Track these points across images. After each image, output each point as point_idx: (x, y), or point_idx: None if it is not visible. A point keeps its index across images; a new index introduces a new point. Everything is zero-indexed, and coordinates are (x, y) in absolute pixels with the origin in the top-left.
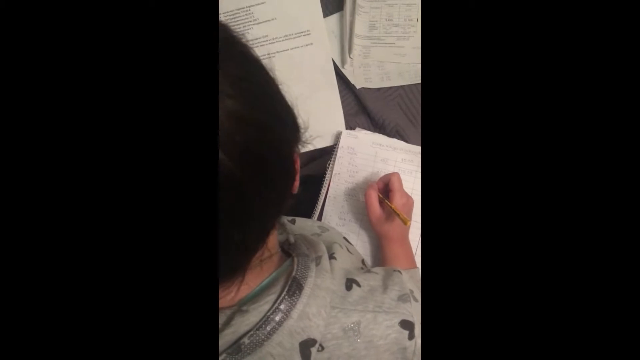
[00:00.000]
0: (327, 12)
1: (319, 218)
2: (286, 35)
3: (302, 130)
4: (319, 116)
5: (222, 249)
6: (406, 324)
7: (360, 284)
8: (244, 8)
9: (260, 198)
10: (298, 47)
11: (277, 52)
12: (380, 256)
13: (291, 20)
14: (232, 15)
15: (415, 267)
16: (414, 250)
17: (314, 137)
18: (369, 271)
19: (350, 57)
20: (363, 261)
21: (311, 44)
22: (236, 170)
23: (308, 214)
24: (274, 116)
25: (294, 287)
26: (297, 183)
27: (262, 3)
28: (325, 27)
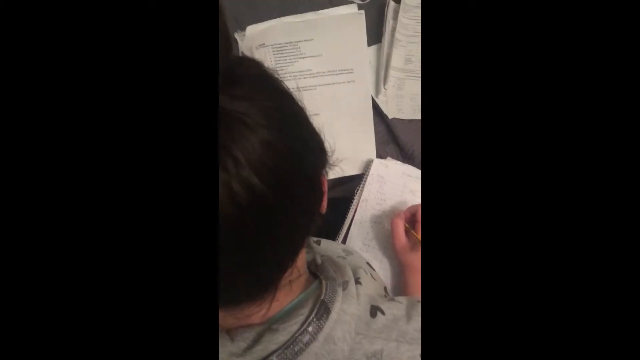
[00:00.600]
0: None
1: (344, 241)
2: (330, 71)
3: (329, 154)
4: (352, 147)
5: (254, 266)
6: None
7: (385, 312)
8: (292, 42)
9: (290, 218)
10: (340, 83)
11: (319, 85)
12: (401, 285)
13: (336, 58)
14: (280, 47)
15: None
16: None
17: (340, 160)
18: (392, 300)
19: (384, 88)
20: (385, 288)
21: (353, 81)
22: (268, 193)
23: (333, 236)
24: (303, 143)
25: (322, 311)
26: (324, 204)
27: (311, 40)
28: (368, 69)
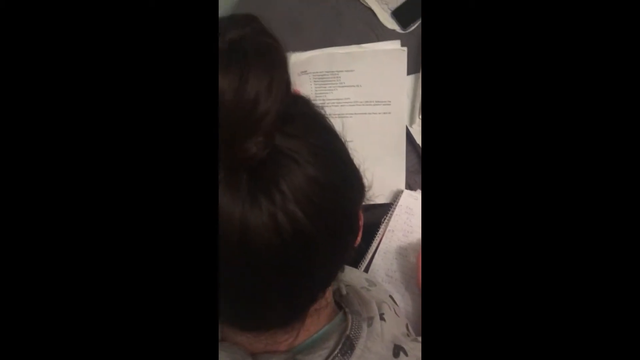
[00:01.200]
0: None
1: (366, 269)
2: (367, 101)
3: (366, 189)
4: (382, 176)
5: (289, 295)
6: None
7: (408, 353)
8: (333, 72)
9: (328, 250)
10: (376, 114)
11: (356, 113)
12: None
13: (375, 89)
14: (321, 75)
15: None
16: None
17: (376, 195)
18: (415, 340)
19: (419, 118)
20: (407, 325)
21: (389, 113)
22: (311, 227)
23: (356, 262)
24: (344, 179)
25: (347, 346)
26: (359, 238)
27: (351, 71)
28: (405, 103)
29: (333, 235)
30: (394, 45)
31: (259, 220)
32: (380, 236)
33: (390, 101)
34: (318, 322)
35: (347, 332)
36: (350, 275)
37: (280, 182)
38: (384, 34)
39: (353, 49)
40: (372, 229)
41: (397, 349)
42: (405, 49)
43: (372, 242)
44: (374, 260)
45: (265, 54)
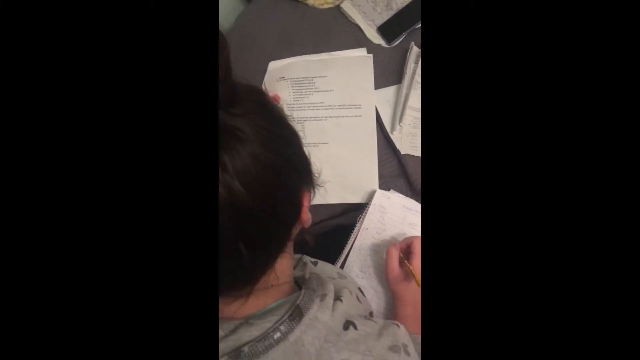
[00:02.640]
0: (386, 83)
1: (342, 266)
2: (340, 105)
3: (315, 175)
4: (356, 176)
5: (231, 261)
6: None
7: (357, 327)
8: (308, 77)
9: (266, 223)
10: (348, 117)
11: (330, 117)
12: (391, 315)
13: (347, 94)
14: (297, 81)
15: None
16: None
17: (325, 182)
18: (370, 319)
19: (400, 125)
20: (371, 313)
21: (360, 116)
22: (247, 197)
23: (332, 260)
24: (286, 160)
25: (295, 314)
26: (305, 217)
27: (324, 76)
28: (374, 106)
29: (271, 210)
30: (361, 52)
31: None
32: (355, 233)
33: (360, 105)
34: (272, 296)
35: (298, 302)
36: (324, 268)
37: (224, 159)
38: (370, 48)
39: (324, 56)
40: (349, 228)
41: (348, 324)
42: (370, 56)
43: (347, 240)
44: (349, 257)
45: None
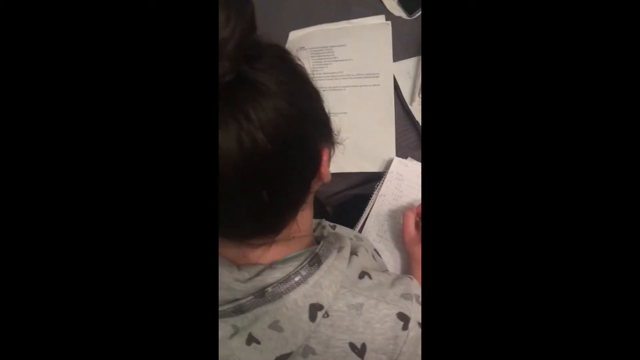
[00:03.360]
0: (406, 55)
1: (360, 231)
2: (358, 74)
3: (334, 132)
4: (374, 144)
5: (254, 209)
6: (403, 317)
7: (372, 277)
8: (327, 47)
9: (286, 173)
10: (367, 86)
11: (349, 86)
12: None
13: (365, 63)
14: (317, 51)
15: None
16: None
17: (343, 140)
18: (384, 271)
19: (419, 97)
20: (386, 271)
21: (378, 85)
22: (269, 147)
23: (352, 225)
24: (306, 115)
25: (314, 260)
26: (324, 171)
27: (343, 45)
28: (392, 74)
29: (290, 160)
30: (379, 19)
31: (227, 141)
32: (373, 200)
33: (378, 74)
34: (294, 246)
35: (317, 251)
36: (341, 231)
37: (248, 109)
38: (391, 20)
39: (343, 24)
40: (366, 197)
41: (363, 274)
42: (389, 22)
43: (365, 207)
44: (367, 223)
45: None
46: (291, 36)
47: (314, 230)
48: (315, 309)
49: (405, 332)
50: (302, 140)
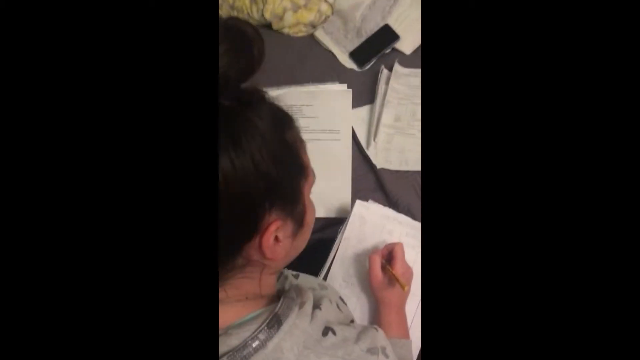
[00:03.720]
0: (360, 103)
1: (325, 277)
2: (322, 130)
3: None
4: (331, 193)
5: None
6: None
7: (336, 333)
8: (297, 105)
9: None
10: (328, 140)
11: (312, 139)
12: (376, 322)
13: (328, 120)
14: (288, 107)
15: (408, 338)
16: (409, 323)
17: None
18: (348, 325)
19: (374, 141)
20: (352, 321)
21: (338, 140)
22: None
23: (315, 273)
24: (272, 180)
25: (274, 322)
26: (266, 244)
27: (310, 105)
28: (351, 132)
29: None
30: (342, 87)
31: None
32: (337, 244)
33: (339, 131)
34: (252, 307)
35: (276, 310)
36: (305, 280)
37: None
38: (343, 73)
39: (312, 88)
40: (330, 241)
41: (327, 330)
42: (350, 90)
43: (329, 252)
44: (332, 269)
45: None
46: (270, 93)
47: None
48: None
49: None
50: (246, 198)
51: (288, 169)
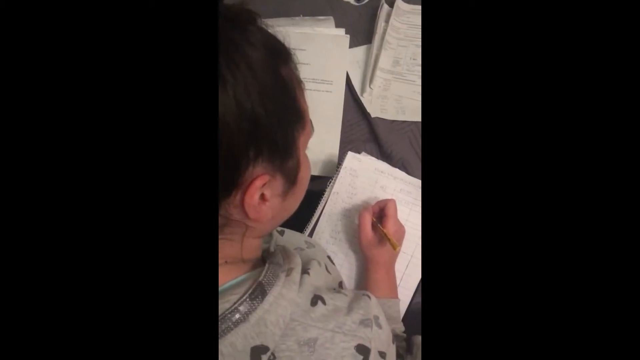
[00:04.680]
0: (356, 43)
1: (311, 233)
2: (314, 79)
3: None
4: (318, 149)
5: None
6: (362, 349)
7: (326, 302)
8: (289, 48)
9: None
10: (319, 91)
11: (305, 89)
12: (364, 280)
13: (321, 69)
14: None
15: (396, 297)
16: (398, 281)
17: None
18: (339, 292)
19: (370, 87)
20: (341, 283)
21: (330, 91)
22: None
23: (302, 226)
24: (260, 124)
25: (258, 292)
26: (249, 201)
27: (303, 50)
28: (344, 84)
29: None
30: (339, 31)
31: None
32: (325, 199)
33: (332, 81)
34: (230, 273)
35: (260, 279)
36: (291, 238)
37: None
38: (338, 6)
39: (307, 30)
40: (318, 194)
41: (316, 298)
42: (347, 36)
43: (317, 206)
44: (319, 223)
45: None
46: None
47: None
48: (259, 352)
49: None
50: (224, 143)
51: (280, 113)
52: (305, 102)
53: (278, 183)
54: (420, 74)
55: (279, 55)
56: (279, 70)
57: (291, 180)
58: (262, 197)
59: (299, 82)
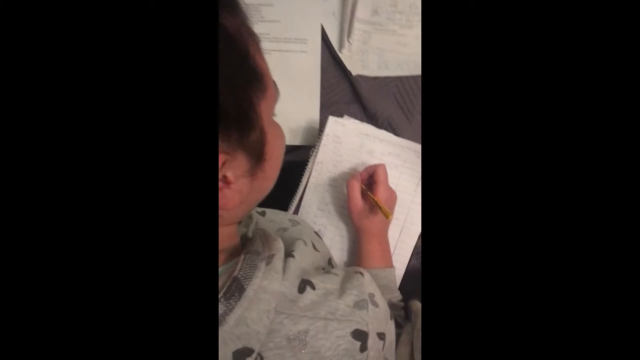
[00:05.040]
0: None
1: (297, 207)
2: (285, 38)
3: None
4: (297, 114)
5: None
6: (359, 335)
7: (316, 286)
8: (253, 4)
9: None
10: (293, 51)
11: (274, 50)
12: (356, 252)
13: (293, 26)
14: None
15: (391, 266)
16: (392, 249)
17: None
18: (328, 272)
19: (348, 42)
20: (330, 260)
21: (305, 51)
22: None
23: (286, 203)
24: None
25: (234, 289)
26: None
27: (270, 5)
28: (320, 41)
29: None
30: None
31: None
32: (309, 170)
33: (306, 39)
34: None
35: (235, 273)
36: (273, 217)
37: None
38: None
39: None
40: (302, 165)
41: (304, 284)
42: None
43: (301, 178)
44: (305, 197)
45: None
46: None
47: (239, 223)
48: (242, 356)
49: (364, 353)
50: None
51: (228, 75)
52: (263, 60)
53: (240, 161)
54: (402, 22)
55: (222, 2)
56: (222, 22)
57: (257, 155)
58: (225, 179)
59: (251, 35)
